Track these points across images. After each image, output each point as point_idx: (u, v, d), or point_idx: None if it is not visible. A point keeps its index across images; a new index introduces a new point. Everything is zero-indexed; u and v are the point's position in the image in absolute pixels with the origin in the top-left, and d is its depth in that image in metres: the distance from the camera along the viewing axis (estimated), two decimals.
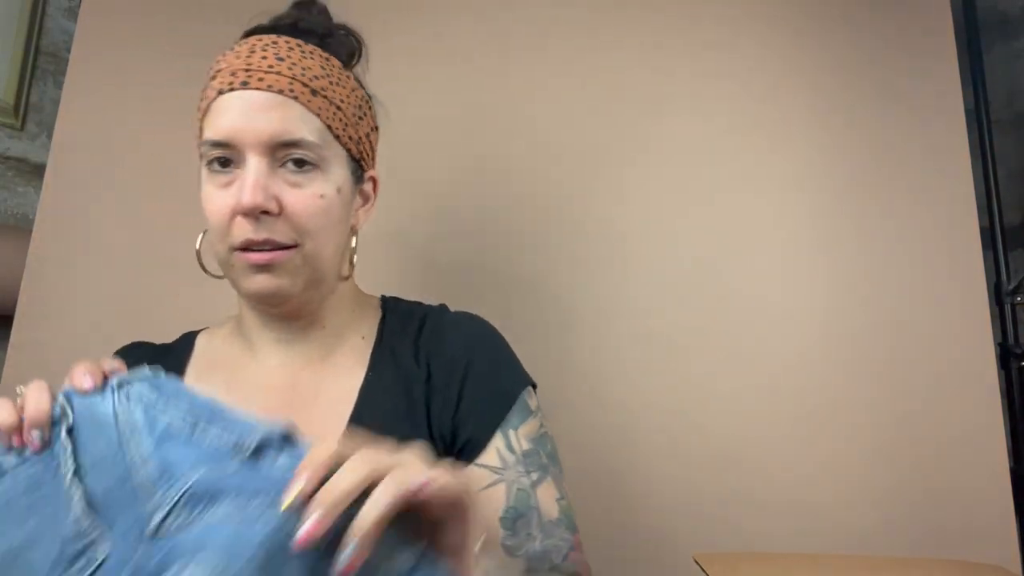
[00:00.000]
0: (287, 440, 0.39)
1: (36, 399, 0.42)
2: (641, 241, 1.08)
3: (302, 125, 0.59)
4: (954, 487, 0.99)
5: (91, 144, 1.10)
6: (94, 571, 0.41)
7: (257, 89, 0.58)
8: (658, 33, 1.15)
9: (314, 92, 0.60)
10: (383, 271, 0.99)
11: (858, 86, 1.12)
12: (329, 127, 0.61)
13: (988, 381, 1.02)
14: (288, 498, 0.34)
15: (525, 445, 0.63)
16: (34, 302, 1.04)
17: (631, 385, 1.03)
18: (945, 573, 0.82)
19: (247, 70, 0.59)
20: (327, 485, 0.34)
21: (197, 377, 0.68)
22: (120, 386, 0.43)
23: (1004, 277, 1.29)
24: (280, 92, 0.58)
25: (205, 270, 0.67)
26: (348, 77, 0.66)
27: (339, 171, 0.63)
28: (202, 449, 0.40)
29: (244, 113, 0.58)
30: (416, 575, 0.36)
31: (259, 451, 0.39)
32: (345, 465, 0.35)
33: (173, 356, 0.71)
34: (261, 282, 0.60)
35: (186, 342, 0.73)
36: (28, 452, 0.41)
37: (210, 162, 0.60)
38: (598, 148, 1.11)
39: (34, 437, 0.41)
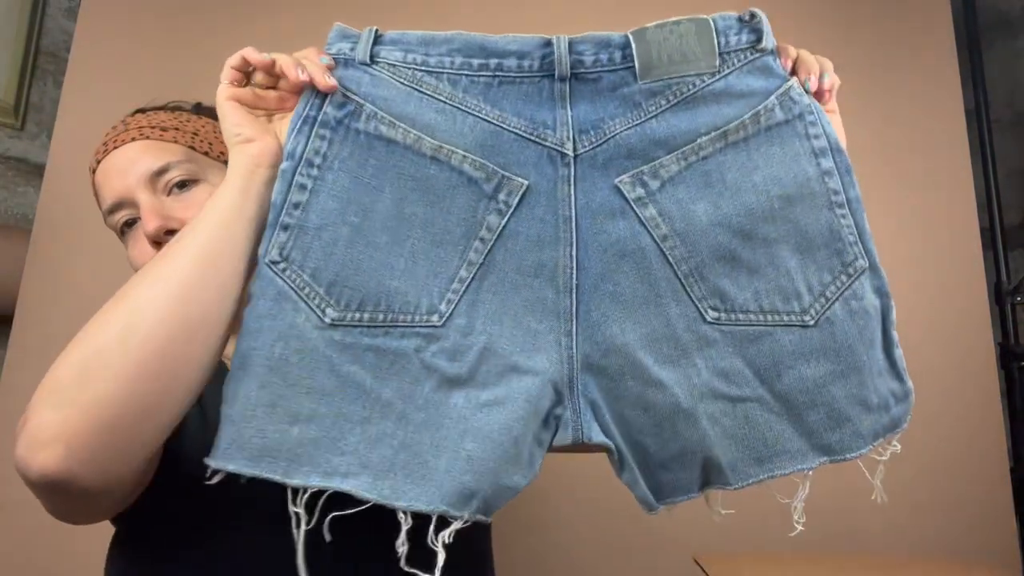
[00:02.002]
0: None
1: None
2: None
3: (164, 154, 0.66)
4: (954, 487, 0.99)
5: (91, 144, 1.10)
6: (523, 195, 0.50)
7: (116, 148, 0.67)
8: None
9: (164, 129, 0.69)
10: None
11: (858, 86, 1.12)
12: (192, 147, 0.68)
13: (988, 381, 1.02)
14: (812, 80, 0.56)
15: None
16: (34, 302, 1.04)
17: None
18: (945, 573, 0.82)
19: (104, 144, 0.69)
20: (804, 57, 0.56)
21: None
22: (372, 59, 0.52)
23: (1004, 277, 1.29)
24: (134, 139, 0.67)
25: None
26: (202, 117, 0.73)
27: (221, 178, 0.68)
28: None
29: (116, 170, 0.65)
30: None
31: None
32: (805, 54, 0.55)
33: None
34: None
35: None
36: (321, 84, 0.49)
37: (121, 231, 0.65)
38: None
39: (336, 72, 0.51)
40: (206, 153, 0.69)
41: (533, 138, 0.50)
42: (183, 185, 0.65)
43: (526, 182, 0.50)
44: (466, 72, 0.51)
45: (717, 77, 0.51)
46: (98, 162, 0.68)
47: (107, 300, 0.53)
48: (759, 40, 0.52)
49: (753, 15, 0.52)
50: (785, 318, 0.51)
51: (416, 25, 1.16)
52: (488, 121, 0.50)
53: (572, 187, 0.50)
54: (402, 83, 0.51)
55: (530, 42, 0.51)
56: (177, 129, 0.69)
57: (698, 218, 0.50)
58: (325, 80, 0.50)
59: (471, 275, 0.50)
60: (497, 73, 0.51)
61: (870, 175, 1.13)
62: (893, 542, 0.97)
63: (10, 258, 1.20)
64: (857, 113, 1.15)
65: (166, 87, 1.15)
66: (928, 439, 1.00)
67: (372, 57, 0.52)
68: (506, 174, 0.50)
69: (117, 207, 0.65)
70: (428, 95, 0.51)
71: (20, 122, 1.48)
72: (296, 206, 0.49)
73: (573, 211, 0.50)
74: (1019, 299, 1.28)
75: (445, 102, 0.50)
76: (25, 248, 1.07)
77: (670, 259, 0.50)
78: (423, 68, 0.51)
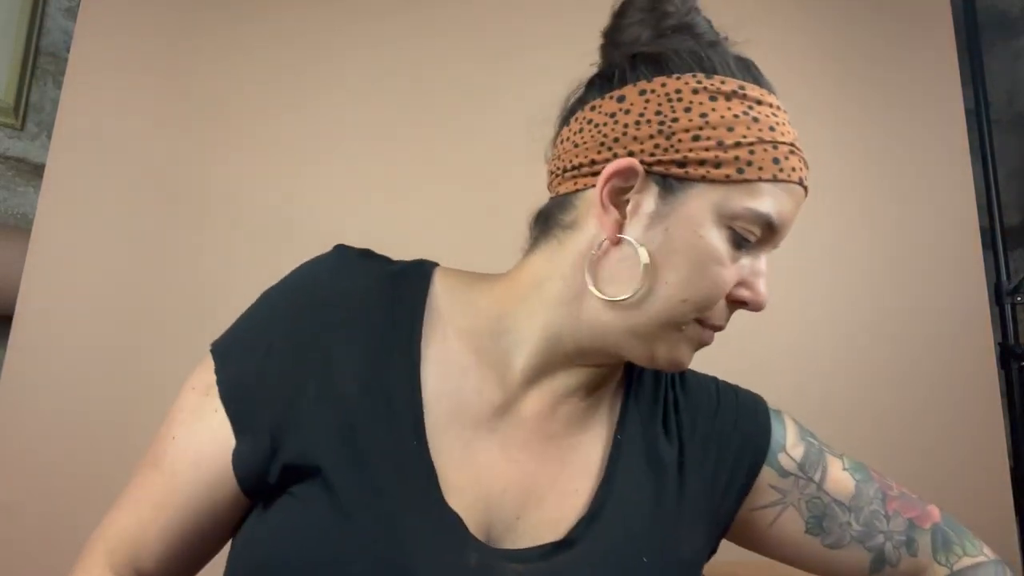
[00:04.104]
0: None
1: None
2: None
3: None
4: (954, 487, 0.99)
5: (91, 144, 1.10)
6: None
7: (804, 188, 0.53)
8: None
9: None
10: None
11: (858, 86, 1.12)
12: None
13: (988, 381, 1.02)
14: None
15: (797, 453, 0.60)
16: (34, 302, 1.04)
17: None
18: None
19: (804, 168, 0.52)
20: None
21: (435, 343, 0.53)
22: None
23: (1004, 277, 1.29)
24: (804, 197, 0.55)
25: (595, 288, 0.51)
26: None
27: None
28: None
29: (791, 214, 0.52)
30: None
31: None
32: None
33: (409, 291, 0.55)
34: (687, 360, 0.53)
35: (422, 277, 0.56)
36: None
37: (743, 230, 0.50)
38: None
39: None
40: None
41: None
42: None
43: None
44: None
45: None
46: (801, 183, 0.52)
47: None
48: None
49: None
50: None
51: (417, 25, 1.16)
52: None
53: None
54: None
55: None
56: None
57: None
58: None
59: None
60: None
61: (871, 175, 1.13)
62: None
63: (10, 258, 1.20)
64: (857, 113, 1.15)
65: (166, 87, 1.15)
66: (928, 439, 1.00)
67: None
68: None
69: (768, 225, 0.50)
70: None
71: (20, 122, 1.48)
72: None
73: None
74: (1019, 299, 1.28)
75: None
76: (25, 248, 1.07)
77: None
78: None
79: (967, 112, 1.13)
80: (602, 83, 0.55)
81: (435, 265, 0.58)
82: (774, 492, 0.59)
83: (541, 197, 0.60)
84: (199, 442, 0.49)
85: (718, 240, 0.49)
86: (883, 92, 1.12)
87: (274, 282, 0.62)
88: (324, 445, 0.47)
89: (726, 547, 0.95)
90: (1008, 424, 1.22)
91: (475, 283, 0.57)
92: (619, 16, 0.57)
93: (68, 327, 1.03)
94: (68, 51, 1.15)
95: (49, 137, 1.23)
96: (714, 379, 0.64)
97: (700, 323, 0.51)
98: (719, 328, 0.53)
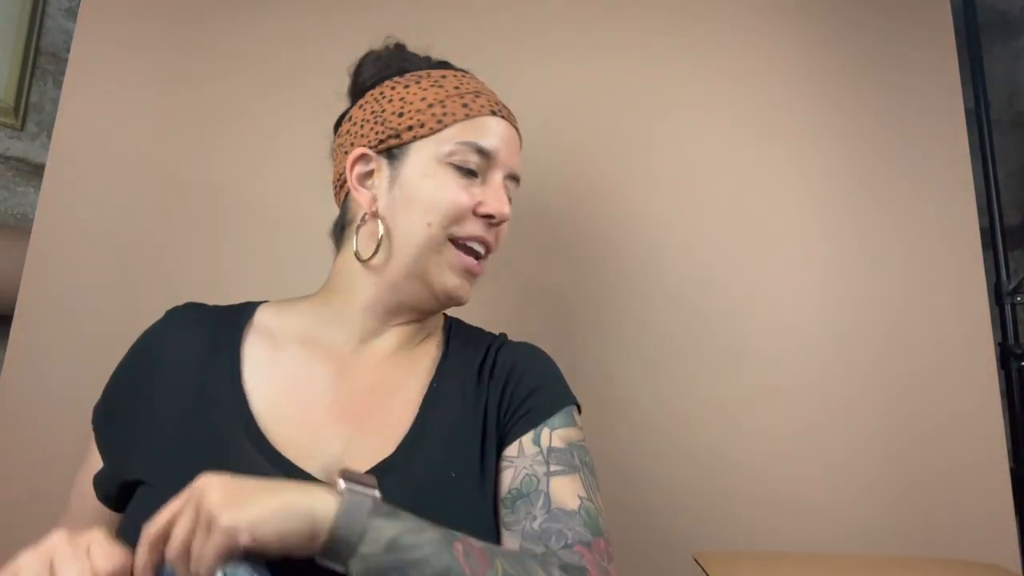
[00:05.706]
0: None
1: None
2: (643, 244, 1.08)
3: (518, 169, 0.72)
4: (954, 487, 0.99)
5: (91, 144, 1.10)
6: None
7: (513, 127, 0.71)
8: (659, 35, 1.15)
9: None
10: None
11: (858, 86, 1.12)
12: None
13: (988, 381, 1.02)
14: None
15: (556, 443, 0.65)
16: (34, 302, 1.04)
17: (634, 387, 1.03)
18: (945, 573, 0.82)
19: (500, 104, 0.71)
20: None
21: (259, 347, 0.67)
22: None
23: (1004, 277, 1.29)
24: (520, 138, 0.73)
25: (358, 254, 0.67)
26: None
27: None
28: None
29: (505, 140, 0.69)
30: None
31: None
32: None
33: (230, 320, 0.69)
34: (463, 287, 0.68)
35: (245, 310, 0.71)
36: None
37: (462, 162, 0.66)
38: (600, 149, 1.11)
39: None
40: None
41: None
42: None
43: None
44: None
45: None
46: (500, 115, 0.69)
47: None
48: None
49: None
50: None
51: (420, 30, 1.15)
52: None
53: None
54: None
55: None
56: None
57: None
58: None
59: None
60: None
61: (870, 175, 1.13)
62: (893, 542, 0.97)
63: (10, 258, 1.20)
64: (857, 113, 1.15)
65: (166, 87, 1.15)
66: (928, 439, 1.00)
67: None
68: None
69: (483, 153, 0.66)
70: None
71: (20, 122, 1.48)
72: None
73: None
74: (1019, 299, 1.29)
75: None
76: (25, 248, 1.07)
77: None
78: None
79: (967, 112, 1.13)
80: (341, 119, 0.75)
81: (263, 301, 0.73)
82: (517, 450, 0.65)
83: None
84: (87, 479, 0.65)
85: (444, 175, 0.65)
86: (883, 92, 1.12)
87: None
88: (153, 457, 0.58)
89: (728, 539, 0.95)
90: (1008, 424, 1.22)
91: (298, 300, 0.73)
92: (355, 74, 0.75)
93: (68, 327, 1.03)
94: (68, 51, 1.15)
95: (49, 137, 1.23)
96: (540, 350, 0.75)
97: (455, 244, 0.66)
98: (476, 238, 0.66)
